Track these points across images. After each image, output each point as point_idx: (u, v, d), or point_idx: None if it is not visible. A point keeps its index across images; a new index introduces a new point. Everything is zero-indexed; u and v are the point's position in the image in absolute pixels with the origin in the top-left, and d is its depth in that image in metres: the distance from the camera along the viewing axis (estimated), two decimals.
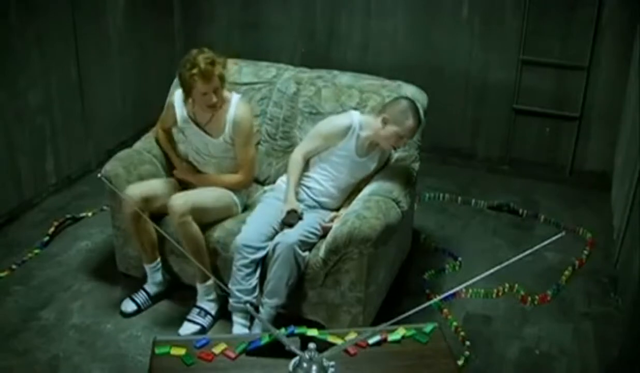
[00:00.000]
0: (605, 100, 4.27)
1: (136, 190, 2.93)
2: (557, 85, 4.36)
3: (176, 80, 3.47)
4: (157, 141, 3.30)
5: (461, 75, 4.55)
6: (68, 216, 3.83)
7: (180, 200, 2.85)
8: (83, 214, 3.88)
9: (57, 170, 4.14)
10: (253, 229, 2.83)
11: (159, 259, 3.09)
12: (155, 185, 3.05)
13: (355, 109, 3.19)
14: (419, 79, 3.45)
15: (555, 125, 4.45)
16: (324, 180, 3.02)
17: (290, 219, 2.79)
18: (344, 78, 3.35)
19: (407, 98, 3.01)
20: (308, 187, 3.03)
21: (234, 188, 3.07)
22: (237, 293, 2.78)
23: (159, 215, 2.99)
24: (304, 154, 2.99)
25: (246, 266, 2.77)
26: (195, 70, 2.79)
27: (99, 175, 2.80)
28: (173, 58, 4.94)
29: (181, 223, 2.82)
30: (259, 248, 2.77)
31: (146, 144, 3.33)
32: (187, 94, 2.91)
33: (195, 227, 2.86)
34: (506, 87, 4.46)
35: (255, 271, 2.79)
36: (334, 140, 2.96)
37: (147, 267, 3.09)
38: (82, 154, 4.35)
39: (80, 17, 4.10)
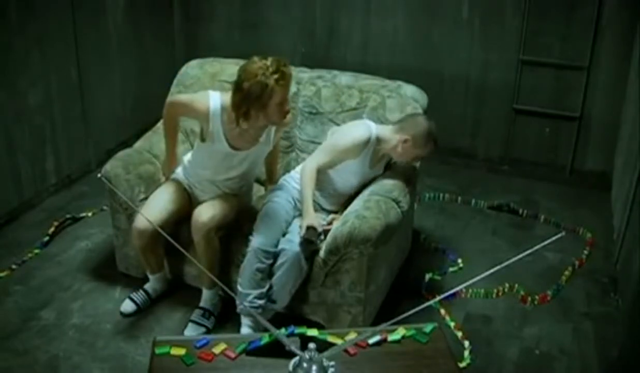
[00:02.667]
0: (605, 100, 4.27)
1: (145, 222, 2.78)
2: (557, 85, 4.35)
3: (177, 79, 3.50)
4: (165, 119, 2.99)
5: (461, 75, 4.55)
6: (68, 216, 3.83)
7: (206, 217, 2.78)
8: (83, 214, 3.88)
9: (57, 170, 4.14)
10: (269, 234, 2.78)
11: (163, 270, 3.11)
12: (160, 207, 2.88)
13: (355, 109, 3.19)
14: (418, 79, 3.45)
15: (555, 125, 4.45)
16: (331, 188, 3.01)
17: (310, 236, 2.72)
18: (344, 78, 3.34)
19: (425, 117, 2.97)
20: (322, 200, 3.02)
21: None
22: (250, 297, 2.76)
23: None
24: (319, 167, 2.90)
25: (262, 271, 2.76)
26: (278, 76, 2.55)
27: (99, 175, 2.79)
28: (173, 58, 4.96)
29: (205, 238, 2.80)
30: (274, 253, 2.77)
31: (146, 143, 3.33)
32: (262, 106, 2.60)
33: (216, 241, 2.86)
34: (506, 87, 4.46)
35: (269, 274, 2.79)
36: (351, 155, 2.91)
37: (151, 277, 3.10)
38: (82, 154, 4.35)
39: (80, 17, 4.10)
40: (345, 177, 2.98)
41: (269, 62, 2.59)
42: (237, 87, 2.63)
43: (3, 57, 3.62)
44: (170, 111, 2.97)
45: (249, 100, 2.60)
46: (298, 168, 3.07)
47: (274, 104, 2.62)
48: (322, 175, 2.96)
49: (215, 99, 2.77)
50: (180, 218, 2.95)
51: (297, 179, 2.98)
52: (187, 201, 3.01)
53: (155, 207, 2.88)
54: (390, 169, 3.11)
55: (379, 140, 2.92)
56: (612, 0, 4.05)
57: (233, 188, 2.99)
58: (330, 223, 2.89)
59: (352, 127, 3.00)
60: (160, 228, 2.50)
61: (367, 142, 2.89)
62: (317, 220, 2.79)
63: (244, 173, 2.96)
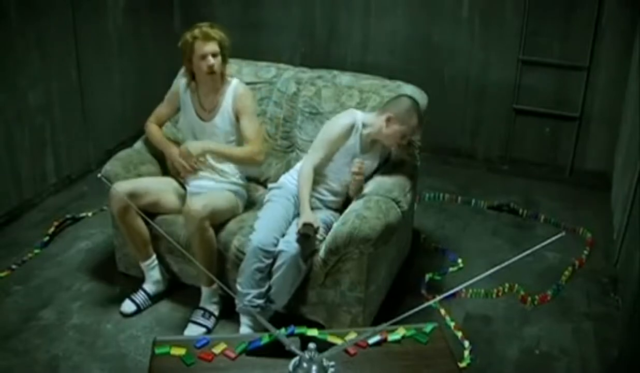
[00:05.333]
0: (605, 100, 4.27)
1: (121, 186, 2.90)
2: (557, 85, 4.36)
3: (177, 78, 3.51)
4: (149, 136, 3.23)
5: (461, 75, 4.55)
6: (68, 216, 3.83)
7: (199, 206, 2.81)
8: (83, 214, 3.89)
9: (57, 170, 4.14)
10: (269, 233, 2.78)
11: (153, 257, 3.09)
12: (144, 182, 3.04)
13: (355, 109, 3.19)
14: (419, 79, 3.46)
15: (555, 125, 4.45)
16: (330, 181, 3.02)
17: (307, 230, 2.73)
18: (344, 78, 3.34)
19: (408, 96, 3.02)
20: (314, 189, 3.00)
21: (245, 162, 3.08)
22: (249, 296, 2.76)
23: (152, 214, 2.99)
24: (314, 166, 2.94)
25: (261, 270, 2.76)
26: (195, 31, 2.97)
27: (98, 175, 2.79)
28: (173, 58, 4.95)
29: (199, 229, 2.80)
30: (273, 253, 2.76)
31: (146, 143, 3.33)
32: (188, 61, 3.01)
33: (211, 232, 2.86)
34: (506, 87, 4.46)
35: (268, 274, 2.78)
36: (341, 142, 2.95)
37: (143, 265, 3.09)
38: (82, 154, 4.35)
39: (80, 17, 4.11)
40: (341, 167, 2.99)
41: (200, 24, 3.03)
42: None
43: (3, 57, 3.62)
44: (152, 127, 3.23)
45: (183, 58, 3.05)
46: (297, 166, 3.08)
47: (197, 57, 2.98)
48: (320, 173, 2.98)
49: (183, 75, 3.18)
50: (161, 203, 3.03)
51: (297, 177, 2.99)
52: (176, 192, 3.09)
53: (133, 180, 3.02)
54: (389, 167, 3.11)
55: (365, 126, 2.96)
56: (612, 0, 4.05)
57: (215, 166, 3.05)
58: (359, 169, 2.90)
59: (337, 117, 3.05)
60: (133, 198, 2.83)
61: (353, 125, 2.94)
62: (313, 217, 2.80)
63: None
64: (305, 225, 2.73)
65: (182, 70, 3.16)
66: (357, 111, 3.04)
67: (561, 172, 4.52)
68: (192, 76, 3.07)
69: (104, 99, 4.49)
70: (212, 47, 2.96)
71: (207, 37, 2.96)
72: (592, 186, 4.39)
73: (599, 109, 4.31)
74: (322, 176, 3.01)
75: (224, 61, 3.04)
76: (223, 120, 3.06)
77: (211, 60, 2.96)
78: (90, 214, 3.89)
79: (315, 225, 2.76)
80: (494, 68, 4.46)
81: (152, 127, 3.23)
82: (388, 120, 2.90)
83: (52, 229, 3.67)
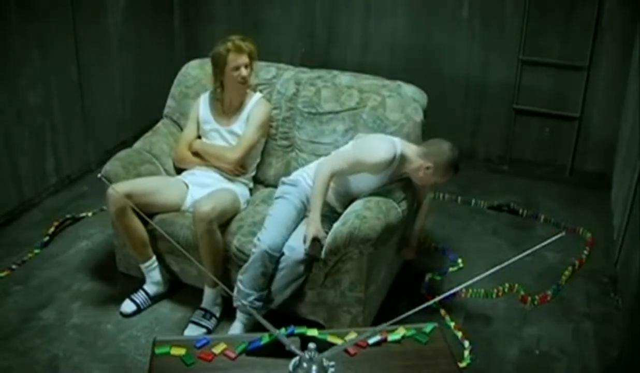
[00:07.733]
0: (605, 100, 4.27)
1: (118, 187, 2.90)
2: (557, 85, 4.36)
3: (178, 79, 3.52)
4: (184, 165, 3.27)
5: (461, 75, 4.55)
6: (68, 216, 3.83)
7: (207, 207, 2.81)
8: (83, 214, 3.89)
9: (57, 170, 4.14)
10: (279, 237, 2.76)
11: (153, 258, 3.09)
12: (141, 182, 3.03)
13: (355, 108, 3.19)
14: (418, 79, 3.45)
15: (555, 125, 4.45)
16: (344, 190, 2.97)
17: (315, 252, 2.72)
18: (344, 78, 3.34)
19: (450, 146, 2.89)
20: (328, 198, 2.94)
21: (221, 162, 3.16)
22: (251, 297, 2.76)
23: (151, 214, 2.99)
24: (334, 172, 2.85)
25: (266, 275, 2.75)
26: (229, 44, 3.07)
27: (98, 175, 2.79)
28: (173, 58, 4.96)
29: (207, 231, 2.81)
30: (279, 258, 2.76)
31: (146, 144, 3.34)
32: (220, 72, 3.11)
33: (219, 234, 2.86)
34: (506, 87, 4.46)
35: (272, 277, 2.78)
36: (372, 171, 2.86)
37: (142, 267, 3.09)
38: (82, 154, 4.35)
39: (80, 17, 4.11)
40: (364, 184, 2.93)
41: (226, 37, 3.13)
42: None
43: (3, 57, 3.62)
44: (184, 153, 3.26)
45: (215, 68, 3.14)
46: (312, 165, 3.03)
47: (229, 69, 3.09)
48: (338, 182, 2.94)
49: (204, 95, 3.30)
50: (159, 202, 3.03)
51: (313, 177, 2.92)
52: (175, 192, 3.10)
53: (131, 181, 3.03)
54: None
55: (402, 159, 2.88)
56: (612, 0, 4.05)
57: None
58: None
59: (378, 143, 2.88)
60: (131, 196, 2.85)
61: (391, 161, 2.83)
62: (321, 230, 2.75)
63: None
64: (313, 241, 2.70)
65: (206, 93, 3.30)
66: (397, 141, 2.89)
67: (561, 172, 4.52)
68: (220, 84, 3.17)
69: (104, 99, 4.49)
70: (244, 59, 3.09)
71: (239, 50, 3.08)
72: (592, 186, 4.39)
73: (598, 109, 4.31)
74: (340, 185, 2.96)
75: (251, 69, 3.17)
76: (240, 128, 3.18)
77: (244, 71, 3.10)
78: (90, 214, 3.89)
79: (323, 242, 2.74)
80: (494, 68, 4.46)
81: (188, 158, 3.25)
82: (427, 168, 2.86)
83: (52, 229, 3.67)
